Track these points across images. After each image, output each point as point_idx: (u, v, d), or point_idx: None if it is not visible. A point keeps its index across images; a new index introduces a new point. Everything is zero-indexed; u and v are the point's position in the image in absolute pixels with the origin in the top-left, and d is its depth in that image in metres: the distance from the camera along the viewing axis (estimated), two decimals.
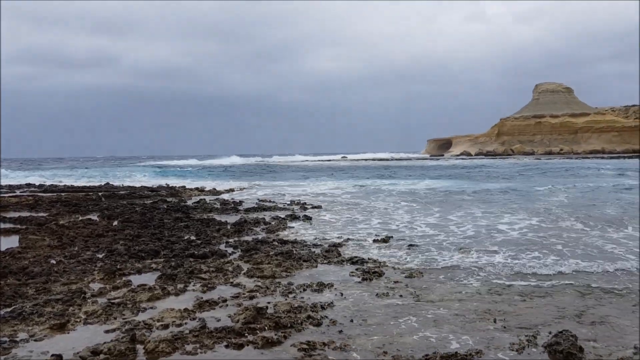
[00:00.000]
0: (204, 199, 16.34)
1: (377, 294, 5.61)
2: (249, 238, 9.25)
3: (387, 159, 78.92)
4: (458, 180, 25.23)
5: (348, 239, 9.00)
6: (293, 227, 10.54)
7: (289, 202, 15.37)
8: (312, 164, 59.01)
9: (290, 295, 5.59)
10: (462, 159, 78.37)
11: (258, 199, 16.60)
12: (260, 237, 9.30)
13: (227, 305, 5.25)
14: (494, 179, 26.03)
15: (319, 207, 14.03)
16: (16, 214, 12.74)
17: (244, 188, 22.05)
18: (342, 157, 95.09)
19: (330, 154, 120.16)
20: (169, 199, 16.57)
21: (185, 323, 4.71)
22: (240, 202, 15.40)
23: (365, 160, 77.72)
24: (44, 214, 12.67)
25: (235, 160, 74.06)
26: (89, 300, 5.37)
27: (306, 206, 14.28)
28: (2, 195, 18.27)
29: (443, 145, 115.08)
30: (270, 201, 15.92)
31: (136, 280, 6.30)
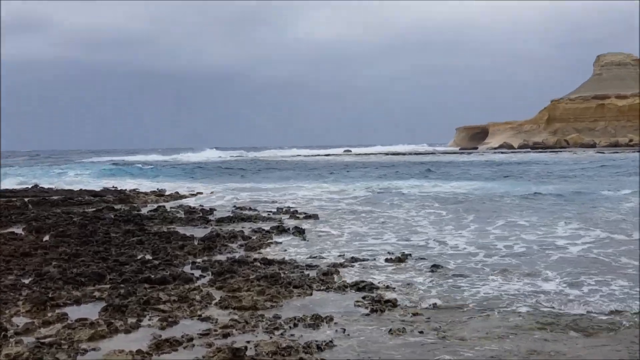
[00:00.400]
0: (164, 206, 16.35)
1: (390, 330, 5.62)
2: (222, 257, 9.25)
3: (404, 154, 79.12)
4: (498, 181, 25.33)
5: (353, 257, 9.04)
6: (280, 243, 10.57)
7: (275, 210, 15.39)
8: (307, 160, 59.06)
9: (277, 332, 5.60)
10: (502, 152, 78.71)
11: (235, 206, 16.61)
12: (237, 255, 9.31)
13: (193, 345, 5.25)
14: (545, 179, 26.14)
15: (315, 216, 14.06)
16: None
17: (217, 191, 22.07)
18: (346, 151, 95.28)
19: (331, 147, 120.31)
20: (117, 206, 16.57)
21: None
22: (211, 210, 15.41)
23: (376, 154, 77.88)
24: None
25: (210, 154, 74.23)
26: (11, 340, 5.35)
27: (298, 215, 14.30)
28: None
29: (477, 135, 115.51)
30: (251, 208, 15.92)
31: (74, 313, 6.28)
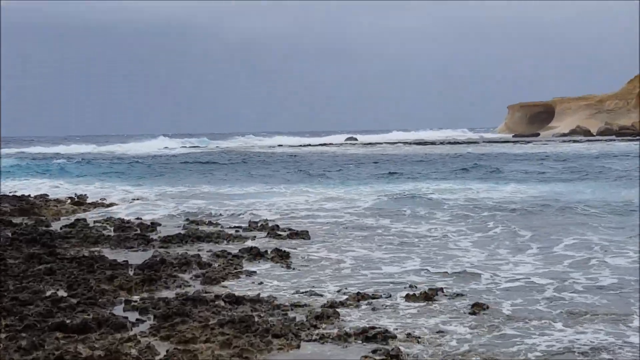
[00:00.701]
0: (85, 219, 16.28)
1: None
2: (169, 293, 9.24)
3: (434, 143, 79.30)
4: (569, 183, 25.31)
5: (359, 293, 9.03)
6: (254, 273, 10.57)
7: (246, 225, 15.41)
8: (294, 152, 59.13)
9: None
10: (575, 141, 78.80)
11: (188, 219, 16.61)
12: (191, 291, 9.28)
13: None
14: (636, 180, 26.09)
15: (304, 233, 14.07)
16: None
17: (163, 196, 22.01)
18: (349, 140, 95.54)
19: (328, 133, 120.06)
20: (16, 220, 16.49)
21: None
22: (154, 225, 15.43)
23: (393, 144, 77.99)
24: None
25: (156, 144, 74.50)
26: None
27: (280, 232, 14.32)
28: None
29: (537, 117, 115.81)
30: (211, 222, 15.94)
31: None
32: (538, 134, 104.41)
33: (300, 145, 77.69)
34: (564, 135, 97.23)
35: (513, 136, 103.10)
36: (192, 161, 44.57)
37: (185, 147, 73.84)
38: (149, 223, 15.73)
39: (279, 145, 78.41)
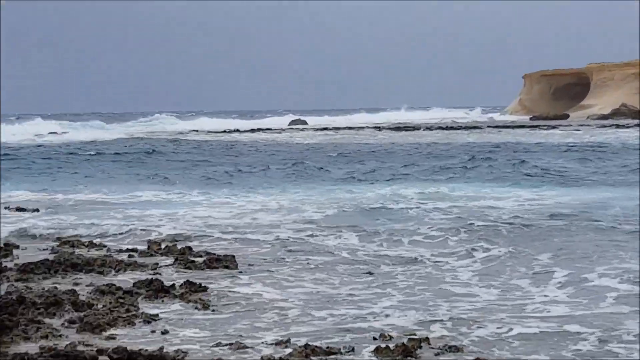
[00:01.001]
0: None
1: None
2: (30, 347, 9.19)
3: (418, 128, 79.88)
4: (603, 188, 25.49)
5: (308, 346, 9.04)
6: (156, 317, 10.56)
7: (144, 247, 15.46)
8: (217, 140, 59.36)
9: None
10: (618, 125, 79.57)
11: (58, 238, 16.62)
12: (62, 343, 9.27)
13: None
14: None
15: (230, 259, 14.09)
16: None
17: (20, 205, 21.85)
18: (295, 123, 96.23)
19: (265, 114, 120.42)
20: None
21: None
22: (8, 248, 15.33)
23: (359, 130, 78.42)
24: None
25: (21, 129, 73.02)
26: None
27: (193, 258, 14.37)
28: None
29: (566, 91, 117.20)
30: (92, 244, 15.92)
31: None
32: (567, 116, 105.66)
33: (225, 131, 77.96)
34: (604, 117, 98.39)
35: (531, 118, 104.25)
36: (67, 153, 44.21)
37: (56, 133, 72.36)
38: (0, 244, 15.56)
39: (194, 131, 78.37)
